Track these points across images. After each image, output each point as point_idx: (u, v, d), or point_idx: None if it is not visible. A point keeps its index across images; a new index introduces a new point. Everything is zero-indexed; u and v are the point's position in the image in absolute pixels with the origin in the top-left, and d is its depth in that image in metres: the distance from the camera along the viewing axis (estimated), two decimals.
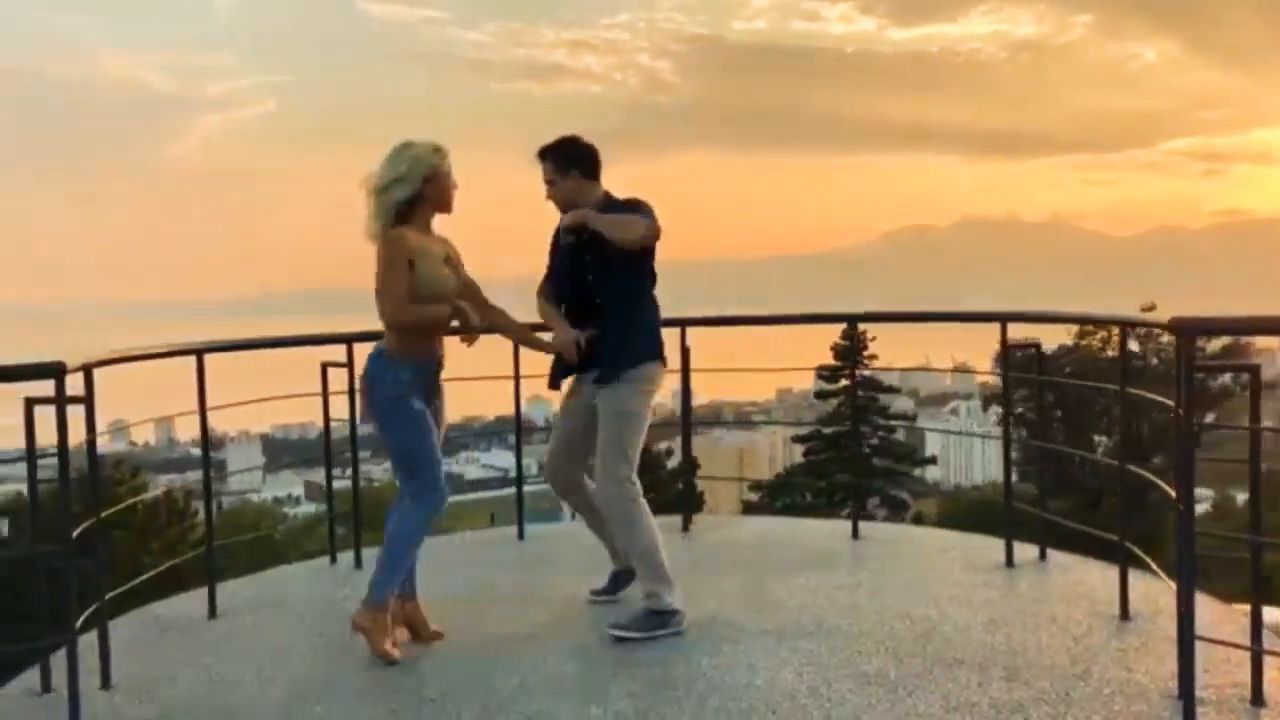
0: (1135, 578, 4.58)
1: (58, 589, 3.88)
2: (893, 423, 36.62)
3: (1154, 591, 4.57)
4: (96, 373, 4.06)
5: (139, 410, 6.42)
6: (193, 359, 4.87)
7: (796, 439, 35.96)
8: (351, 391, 5.66)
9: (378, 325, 5.16)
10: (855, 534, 6.06)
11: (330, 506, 5.94)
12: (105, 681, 4.05)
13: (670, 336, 6.17)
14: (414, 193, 4.16)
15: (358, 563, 5.74)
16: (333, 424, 5.84)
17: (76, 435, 4.03)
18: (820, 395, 36.19)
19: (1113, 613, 4.46)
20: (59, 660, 3.91)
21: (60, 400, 3.62)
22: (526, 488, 6.42)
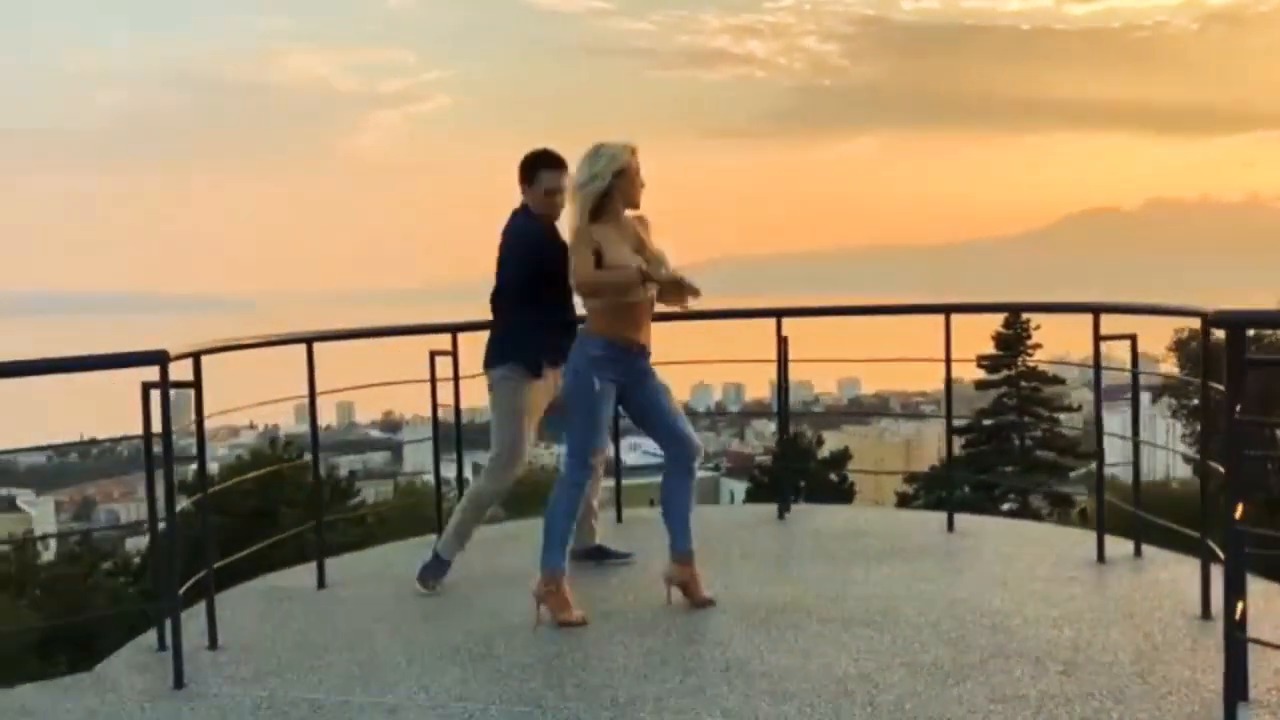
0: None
1: (170, 559, 4.28)
2: (1042, 416, 35.35)
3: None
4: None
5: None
6: (303, 347, 5.23)
7: (956, 430, 35.06)
8: (457, 379, 5.94)
9: (486, 315, 5.39)
10: (950, 526, 6.02)
11: (438, 486, 6.25)
12: (213, 642, 4.41)
13: (766, 327, 6.26)
14: (606, 187, 4.53)
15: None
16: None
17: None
18: (980, 386, 35.24)
19: (1195, 612, 4.34)
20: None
21: (164, 385, 3.98)
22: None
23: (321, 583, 5.33)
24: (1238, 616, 3.24)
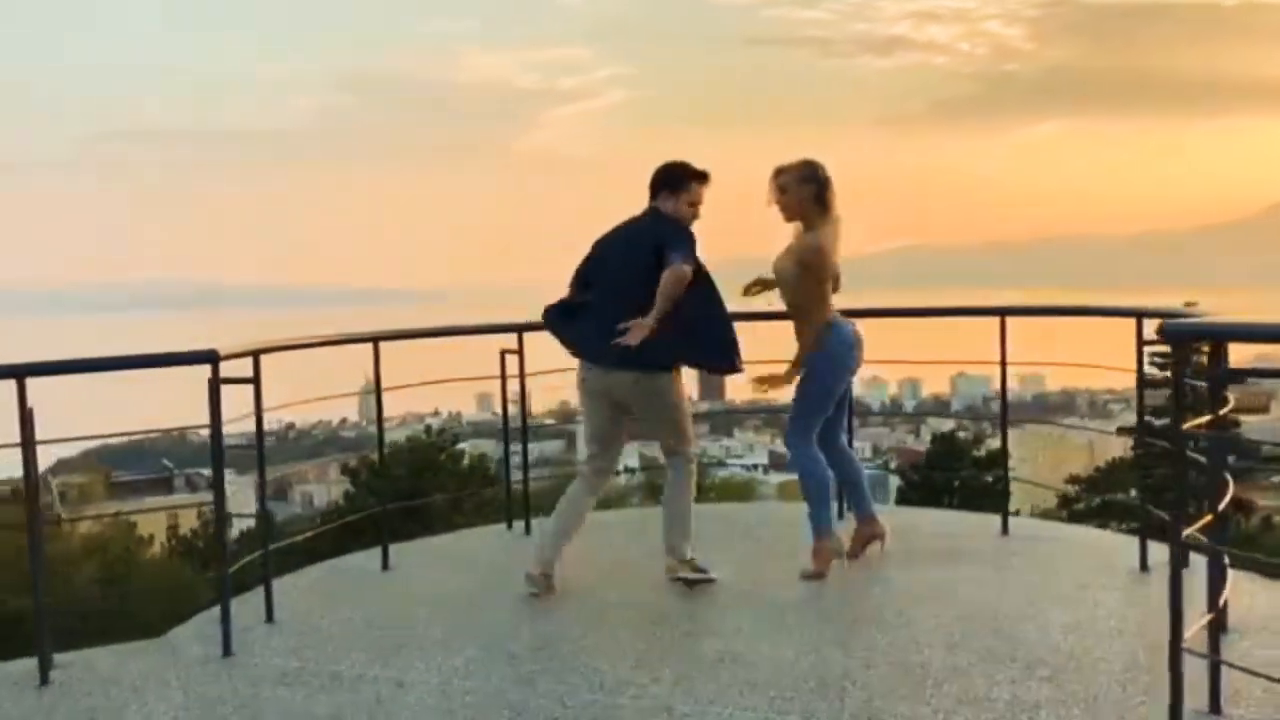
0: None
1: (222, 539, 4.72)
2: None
3: None
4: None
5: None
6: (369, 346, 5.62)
7: (1122, 430, 33.50)
8: (523, 377, 6.24)
9: None
10: (1004, 530, 5.99)
11: (508, 478, 6.58)
12: (269, 616, 4.85)
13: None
14: None
15: (527, 529, 6.34)
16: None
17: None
18: (1151, 385, 33.46)
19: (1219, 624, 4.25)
20: (241, 601, 4.79)
21: (215, 382, 4.40)
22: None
23: (385, 565, 5.72)
24: (1189, 632, 3.23)
